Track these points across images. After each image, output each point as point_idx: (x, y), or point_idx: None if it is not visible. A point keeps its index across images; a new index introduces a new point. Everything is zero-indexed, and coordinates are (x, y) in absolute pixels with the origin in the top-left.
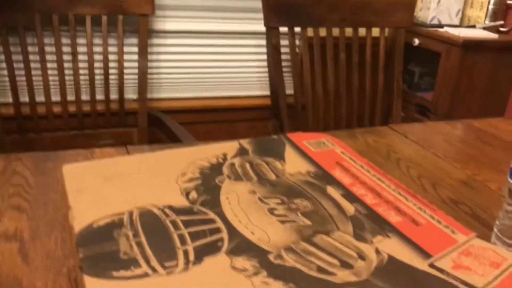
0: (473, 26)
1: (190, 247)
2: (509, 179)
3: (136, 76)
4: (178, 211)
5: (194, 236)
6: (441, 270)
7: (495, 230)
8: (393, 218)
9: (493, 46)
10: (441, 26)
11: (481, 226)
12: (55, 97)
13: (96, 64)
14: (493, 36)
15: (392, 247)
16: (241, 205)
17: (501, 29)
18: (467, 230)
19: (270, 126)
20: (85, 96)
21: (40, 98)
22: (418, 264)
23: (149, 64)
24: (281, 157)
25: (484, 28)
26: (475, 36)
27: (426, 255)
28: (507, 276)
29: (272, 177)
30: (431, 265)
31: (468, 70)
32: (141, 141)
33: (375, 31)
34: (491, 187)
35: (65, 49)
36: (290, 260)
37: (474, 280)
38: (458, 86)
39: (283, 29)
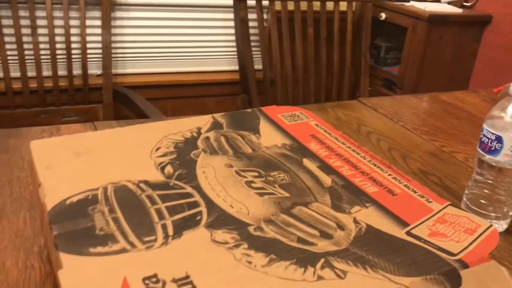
0: (438, 1)
1: (168, 222)
2: (478, 149)
3: (100, 51)
4: (154, 186)
5: (172, 211)
6: (418, 238)
7: (465, 199)
8: (370, 188)
9: (457, 20)
10: (407, 0)
11: (451, 196)
12: (14, 73)
13: (57, 38)
14: (458, 10)
15: (370, 216)
16: (218, 179)
17: (465, 3)
18: (442, 199)
19: (239, 101)
20: (46, 72)
21: None
22: (395, 232)
23: (113, 38)
24: (256, 131)
25: (449, 3)
26: (440, 11)
27: (403, 223)
28: (481, 241)
29: (248, 150)
30: (408, 233)
31: (434, 44)
32: (107, 118)
33: (343, 5)
34: (458, 158)
35: (24, 22)
36: (270, 232)
37: (450, 246)
38: (423, 60)
39: (251, 2)
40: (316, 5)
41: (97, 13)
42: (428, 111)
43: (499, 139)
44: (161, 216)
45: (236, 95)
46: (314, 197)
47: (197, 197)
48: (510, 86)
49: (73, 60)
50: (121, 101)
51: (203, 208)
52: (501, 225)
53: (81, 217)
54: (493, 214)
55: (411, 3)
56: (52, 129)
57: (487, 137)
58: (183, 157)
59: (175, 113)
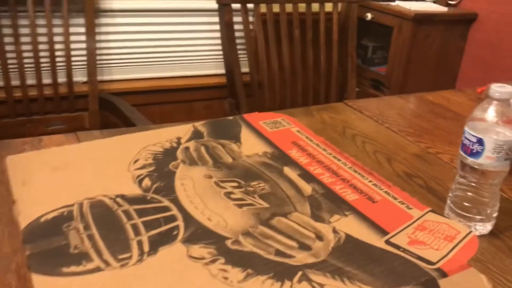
0: (424, 0)
1: (144, 238)
2: (460, 152)
3: (85, 58)
4: (131, 200)
5: (148, 226)
6: (397, 246)
7: (449, 202)
8: (350, 196)
9: (443, 19)
10: (393, 0)
11: (435, 199)
12: None
13: (41, 47)
14: (443, 9)
15: (349, 225)
16: (197, 191)
17: (450, 2)
18: (422, 205)
19: (226, 104)
20: (31, 80)
21: None
22: (374, 241)
23: (98, 44)
24: (237, 139)
25: (434, 1)
26: (425, 10)
27: (382, 232)
28: (460, 248)
29: (229, 160)
30: (388, 242)
31: (420, 43)
32: (93, 125)
33: (328, 6)
34: (443, 159)
35: (6, 31)
36: (248, 245)
37: (429, 255)
38: (410, 59)
39: (236, 6)
40: (302, 7)
41: (81, 20)
42: (413, 111)
43: (480, 142)
44: (137, 232)
45: (224, 99)
46: (293, 207)
47: (174, 211)
48: (490, 87)
49: (57, 68)
50: (107, 108)
51: (180, 222)
52: (485, 227)
53: (55, 235)
54: (477, 217)
55: (397, 2)
56: (34, 141)
57: (469, 140)
58: (162, 169)
59: (163, 119)
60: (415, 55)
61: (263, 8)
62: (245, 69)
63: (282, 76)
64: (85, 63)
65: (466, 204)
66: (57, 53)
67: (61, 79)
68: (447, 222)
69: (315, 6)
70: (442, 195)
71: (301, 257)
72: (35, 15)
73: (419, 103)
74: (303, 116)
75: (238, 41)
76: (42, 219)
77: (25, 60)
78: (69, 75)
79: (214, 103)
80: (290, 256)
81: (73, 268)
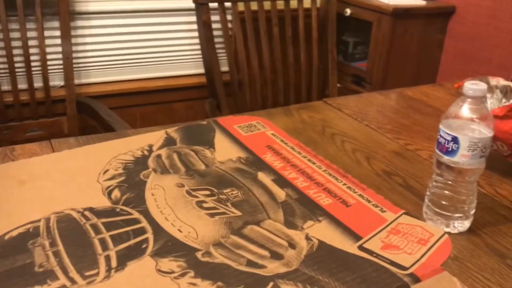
0: None
1: (112, 252)
2: (436, 150)
3: (61, 62)
4: (99, 213)
5: (117, 240)
6: (370, 252)
7: (426, 200)
8: (324, 200)
9: (422, 12)
10: None
11: (414, 197)
12: None
13: (15, 51)
14: (421, 2)
15: (322, 231)
16: (168, 201)
17: None
18: (396, 207)
19: (207, 105)
20: (6, 86)
21: None
22: (348, 247)
23: (74, 48)
24: (210, 145)
25: None
26: (404, 4)
27: (356, 236)
28: (434, 251)
29: (201, 167)
30: (361, 247)
31: (400, 37)
32: (72, 130)
33: (307, 2)
34: (422, 156)
35: None
36: (219, 256)
37: (402, 259)
38: (390, 54)
39: (213, 5)
40: (280, 4)
41: (56, 23)
42: (393, 108)
43: (455, 140)
44: (104, 247)
45: (205, 99)
46: (267, 214)
47: (144, 223)
48: (464, 85)
49: (33, 72)
50: (86, 112)
51: (150, 234)
52: (464, 225)
53: (20, 253)
54: (455, 215)
55: None
56: (6, 150)
57: (444, 138)
58: (132, 179)
59: (144, 120)
60: (395, 50)
61: (241, 6)
62: (225, 68)
63: (262, 75)
64: (61, 67)
65: (444, 202)
66: (32, 58)
67: (38, 84)
68: (420, 225)
69: (294, 3)
70: (421, 193)
71: (273, 267)
72: (8, 19)
73: (398, 99)
74: (282, 115)
75: (216, 40)
76: (7, 237)
77: None
78: (45, 79)
79: (195, 103)
80: (261, 266)
81: None
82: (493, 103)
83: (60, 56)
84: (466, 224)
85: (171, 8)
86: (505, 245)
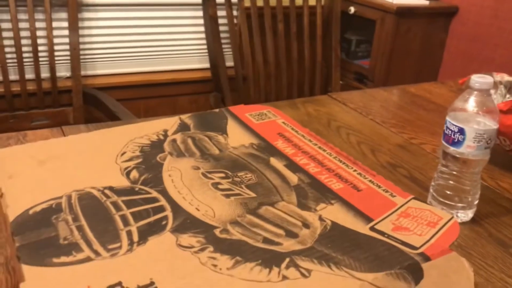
0: None
1: (133, 228)
2: (442, 141)
3: (68, 53)
4: (119, 192)
5: (137, 217)
6: (381, 233)
7: (431, 190)
8: (335, 185)
9: (425, 12)
10: None
11: (418, 188)
12: None
13: (23, 41)
14: (425, 2)
15: (335, 213)
16: (185, 182)
17: None
18: (405, 193)
19: (212, 99)
20: (13, 76)
21: None
22: (360, 228)
23: (81, 39)
24: (223, 131)
25: None
26: (407, 3)
27: (367, 219)
28: (442, 233)
29: (215, 151)
30: (372, 228)
31: (402, 36)
32: (78, 121)
33: (312, 0)
34: (426, 149)
35: None
36: (236, 234)
37: (413, 240)
38: (393, 52)
39: (220, 0)
40: (285, 1)
41: (64, 15)
42: (396, 103)
43: (461, 131)
44: (126, 223)
45: (209, 93)
46: (280, 196)
47: (162, 202)
48: (471, 78)
49: (40, 63)
50: (91, 103)
51: (168, 212)
52: (467, 215)
53: (44, 226)
54: (459, 204)
55: None
56: (19, 135)
57: (450, 129)
58: (149, 161)
59: (148, 113)
60: (398, 48)
61: (247, 2)
62: (230, 63)
63: (266, 70)
64: (68, 58)
65: (448, 192)
66: (40, 48)
67: (44, 74)
68: (429, 209)
69: (299, 0)
70: (425, 184)
71: (288, 244)
72: (16, 9)
73: (401, 95)
74: (288, 108)
75: (222, 35)
76: (31, 211)
77: (7, 55)
78: (52, 70)
79: (199, 97)
80: (277, 244)
81: (64, 259)
82: (497, 98)
83: (67, 47)
84: (470, 214)
85: (178, 2)
86: (507, 235)
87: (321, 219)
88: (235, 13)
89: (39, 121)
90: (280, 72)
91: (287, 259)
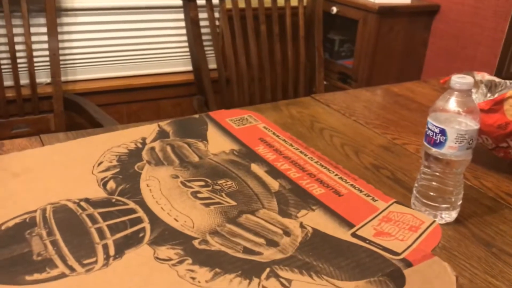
0: None
1: (110, 241)
2: (424, 142)
3: (48, 58)
4: (95, 203)
5: (114, 229)
6: (363, 239)
7: (414, 192)
8: (316, 190)
9: (407, 11)
10: None
11: (402, 189)
12: None
13: (1, 48)
14: (406, 1)
15: (316, 220)
16: (163, 191)
17: None
18: (387, 197)
19: (195, 102)
20: None
21: None
22: (341, 234)
23: (61, 44)
24: (203, 137)
25: None
26: (389, 2)
27: (349, 224)
28: (424, 238)
29: (195, 159)
30: (354, 235)
31: (385, 35)
32: (59, 127)
33: (294, 1)
34: (409, 150)
35: None
36: (215, 244)
37: (394, 245)
38: (376, 51)
39: (201, 2)
40: (267, 2)
41: (42, 20)
42: (380, 104)
43: (443, 132)
44: (102, 236)
45: (192, 96)
46: (261, 204)
47: (140, 213)
48: (451, 78)
49: (19, 69)
50: (73, 109)
51: (146, 224)
52: (451, 215)
53: (17, 242)
54: (442, 205)
55: None
56: None
57: (432, 130)
58: (127, 170)
59: (131, 118)
60: (381, 48)
61: (228, 3)
62: (212, 65)
63: (250, 72)
64: (48, 63)
65: (431, 193)
66: (18, 54)
67: (24, 80)
68: (411, 213)
69: (281, 1)
70: (408, 185)
71: (268, 254)
72: None
73: (384, 95)
74: (271, 111)
75: (204, 37)
76: (3, 227)
77: None
78: (31, 76)
79: (183, 100)
80: (258, 253)
81: (37, 276)
82: (478, 97)
83: (46, 52)
84: (453, 214)
85: (158, 5)
86: (491, 234)
87: (302, 226)
88: (216, 15)
89: (20, 129)
90: (263, 74)
91: (268, 269)
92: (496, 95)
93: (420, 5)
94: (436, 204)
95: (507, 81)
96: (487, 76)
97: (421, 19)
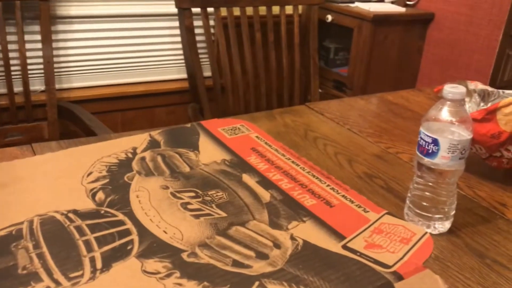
0: (382, 0)
1: (97, 254)
2: (417, 152)
3: (42, 66)
4: (83, 215)
5: (101, 241)
6: (354, 251)
7: (407, 202)
8: (308, 201)
9: (401, 19)
10: (351, 1)
11: (395, 198)
12: None
13: None
14: (401, 9)
15: (307, 231)
16: (153, 203)
17: (408, 2)
18: (379, 208)
19: (190, 110)
20: None
21: None
22: (332, 246)
23: (55, 52)
24: (195, 147)
25: (392, 2)
26: (384, 10)
27: (340, 236)
28: (416, 250)
29: (186, 169)
30: (344, 247)
31: (380, 43)
32: (53, 135)
33: (289, 9)
34: (403, 159)
35: None
36: (204, 257)
37: (386, 258)
38: (371, 60)
39: (196, 10)
40: (262, 10)
41: (36, 28)
42: (374, 112)
43: (435, 142)
44: (89, 248)
45: (187, 104)
46: (251, 215)
47: (129, 225)
48: (444, 88)
49: (13, 77)
50: (67, 117)
51: (134, 236)
52: (444, 226)
53: (3, 255)
54: (436, 216)
55: (356, 4)
56: None
57: (424, 140)
58: (116, 181)
59: (125, 126)
60: (376, 56)
61: (223, 11)
62: (207, 73)
63: (245, 80)
64: (42, 71)
65: (425, 203)
66: (12, 62)
67: (18, 88)
68: (403, 224)
69: (276, 9)
70: (402, 194)
71: (258, 267)
72: None
73: (379, 103)
74: (265, 120)
75: (199, 45)
76: None
77: None
78: (25, 84)
79: (177, 108)
80: (247, 266)
81: None
82: (471, 106)
83: (41, 60)
84: (447, 225)
85: (153, 13)
86: (484, 245)
87: (292, 238)
88: (212, 23)
89: (13, 137)
90: (258, 81)
91: (257, 283)
92: (489, 105)
93: (414, 14)
94: (430, 214)
95: (500, 91)
96: (480, 85)
97: (416, 27)
